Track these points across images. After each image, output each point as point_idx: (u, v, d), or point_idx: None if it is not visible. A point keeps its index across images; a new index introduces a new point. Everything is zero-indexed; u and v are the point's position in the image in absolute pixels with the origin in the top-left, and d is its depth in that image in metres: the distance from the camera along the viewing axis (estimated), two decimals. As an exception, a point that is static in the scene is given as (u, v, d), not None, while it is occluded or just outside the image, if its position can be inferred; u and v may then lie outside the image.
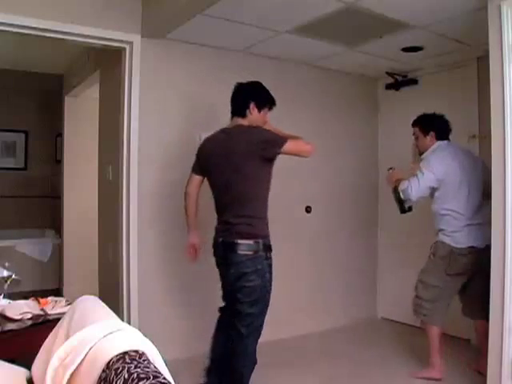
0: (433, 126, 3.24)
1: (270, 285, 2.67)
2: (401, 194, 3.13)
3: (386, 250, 4.52)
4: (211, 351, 2.83)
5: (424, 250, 3.27)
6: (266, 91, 2.81)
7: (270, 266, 2.67)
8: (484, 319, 2.94)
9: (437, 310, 3.08)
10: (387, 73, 4.29)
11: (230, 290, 2.71)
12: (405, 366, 3.32)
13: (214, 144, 2.81)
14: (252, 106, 2.74)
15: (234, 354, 2.68)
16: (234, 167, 2.65)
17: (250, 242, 2.59)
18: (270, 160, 2.68)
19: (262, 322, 2.71)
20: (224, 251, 2.68)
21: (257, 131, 2.70)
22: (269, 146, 2.63)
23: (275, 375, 3.18)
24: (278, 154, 2.66)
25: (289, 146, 2.64)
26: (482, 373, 2.91)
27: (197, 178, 2.86)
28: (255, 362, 2.71)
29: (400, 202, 3.16)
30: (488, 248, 2.67)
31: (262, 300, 2.65)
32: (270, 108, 2.83)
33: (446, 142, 3.22)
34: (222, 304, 2.84)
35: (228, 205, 2.70)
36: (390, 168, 3.29)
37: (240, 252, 2.59)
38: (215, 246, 2.76)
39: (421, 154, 3.29)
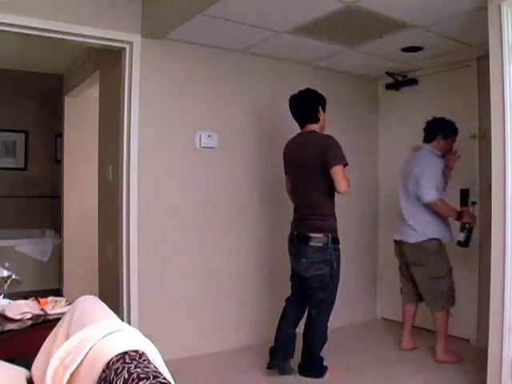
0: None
1: (338, 273, 3.09)
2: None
3: (386, 249, 4.51)
4: (277, 335, 3.20)
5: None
6: (318, 92, 3.15)
7: (338, 256, 3.07)
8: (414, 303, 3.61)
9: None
10: (387, 73, 4.29)
11: (303, 278, 3.11)
12: (405, 366, 3.32)
13: (292, 149, 3.18)
14: (319, 109, 3.11)
15: (308, 332, 3.11)
16: (305, 171, 3.04)
17: (321, 235, 2.99)
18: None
19: (330, 305, 3.12)
20: (298, 243, 3.08)
21: (327, 141, 2.99)
22: (327, 157, 2.92)
23: (278, 375, 3.18)
24: (329, 168, 2.92)
25: (338, 171, 2.90)
26: (414, 348, 3.59)
27: (288, 179, 3.29)
28: (326, 340, 3.13)
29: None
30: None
31: (329, 286, 3.07)
32: None
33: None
34: (287, 294, 3.29)
35: (301, 203, 3.13)
36: (474, 202, 3.44)
37: (311, 244, 3.00)
38: (290, 238, 3.17)
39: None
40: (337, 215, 3.23)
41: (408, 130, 4.12)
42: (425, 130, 3.52)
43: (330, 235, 3.01)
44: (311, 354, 3.13)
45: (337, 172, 2.90)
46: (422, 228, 3.34)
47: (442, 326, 3.35)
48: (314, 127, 3.11)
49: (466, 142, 3.77)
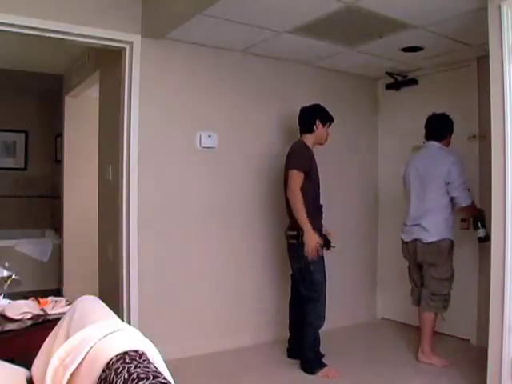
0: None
1: (317, 269, 3.19)
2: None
3: (385, 250, 4.52)
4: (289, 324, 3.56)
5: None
6: (326, 110, 3.39)
7: None
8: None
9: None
10: (387, 73, 4.29)
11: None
12: (405, 366, 3.32)
13: None
14: (317, 122, 3.33)
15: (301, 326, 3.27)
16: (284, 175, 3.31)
17: (294, 232, 3.24)
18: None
19: (315, 305, 3.20)
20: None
21: (295, 148, 3.30)
22: (288, 162, 3.25)
23: (279, 375, 3.19)
24: (287, 171, 3.22)
25: (291, 176, 3.17)
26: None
27: None
28: (316, 337, 3.23)
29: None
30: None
31: (310, 282, 3.22)
32: (330, 124, 3.41)
33: (427, 142, 3.45)
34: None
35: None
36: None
37: (288, 241, 3.35)
38: None
39: None
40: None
41: (408, 130, 4.13)
42: (429, 126, 3.42)
43: (301, 232, 3.18)
44: (303, 346, 3.24)
45: (290, 176, 3.18)
46: (435, 228, 3.27)
47: (429, 326, 3.31)
48: (306, 137, 3.35)
49: (466, 142, 3.77)
